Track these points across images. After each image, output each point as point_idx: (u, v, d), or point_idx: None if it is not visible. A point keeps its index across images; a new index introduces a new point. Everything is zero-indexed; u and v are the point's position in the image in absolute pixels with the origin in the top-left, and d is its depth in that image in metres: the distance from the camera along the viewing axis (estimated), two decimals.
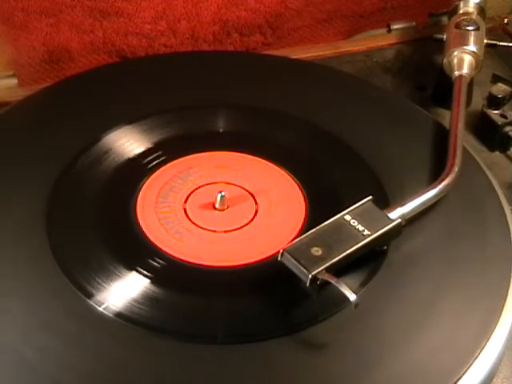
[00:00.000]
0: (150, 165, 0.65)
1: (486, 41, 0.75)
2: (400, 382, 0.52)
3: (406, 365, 0.52)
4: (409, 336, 0.54)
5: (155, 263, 0.57)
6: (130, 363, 0.51)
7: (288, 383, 0.51)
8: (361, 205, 0.58)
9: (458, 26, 0.75)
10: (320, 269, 0.54)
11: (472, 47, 0.73)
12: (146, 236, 0.59)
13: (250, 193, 0.63)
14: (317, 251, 0.55)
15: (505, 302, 0.56)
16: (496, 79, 0.76)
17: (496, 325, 0.54)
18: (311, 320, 0.54)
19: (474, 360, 0.52)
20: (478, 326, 0.54)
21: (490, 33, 0.79)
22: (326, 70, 0.77)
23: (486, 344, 0.53)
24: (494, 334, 0.54)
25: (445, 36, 0.76)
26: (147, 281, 0.56)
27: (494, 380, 0.55)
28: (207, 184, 0.64)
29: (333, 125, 0.68)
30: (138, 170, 0.64)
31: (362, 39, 0.87)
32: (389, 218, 0.58)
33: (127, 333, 0.53)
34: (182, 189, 0.63)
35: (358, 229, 0.57)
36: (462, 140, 0.65)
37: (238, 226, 0.61)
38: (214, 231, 0.60)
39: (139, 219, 0.60)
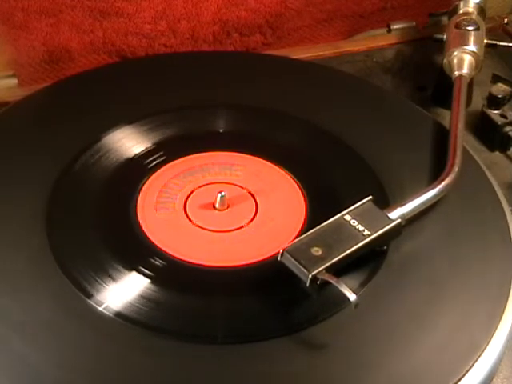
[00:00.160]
0: (150, 165, 0.65)
1: (485, 41, 0.75)
2: (400, 382, 0.52)
3: (406, 365, 0.52)
4: (409, 336, 0.54)
5: (155, 263, 0.57)
6: (130, 363, 0.51)
7: (288, 383, 0.51)
8: (361, 205, 0.58)
9: (458, 26, 0.75)
10: (320, 269, 0.54)
11: (472, 47, 0.73)
12: (145, 236, 0.59)
13: (250, 193, 0.63)
14: (317, 251, 0.55)
15: (505, 302, 0.56)
16: (496, 79, 0.76)
17: (496, 325, 0.54)
18: (311, 320, 0.54)
19: (475, 360, 0.52)
20: (478, 326, 0.54)
21: (490, 33, 0.79)
22: (326, 69, 0.77)
23: (486, 344, 0.53)
24: (494, 334, 0.54)
25: (445, 36, 0.76)
26: (147, 281, 0.56)
27: (494, 380, 0.55)
28: (207, 184, 0.64)
29: (333, 125, 0.68)
30: (138, 169, 0.64)
31: (362, 39, 0.87)
32: (389, 218, 0.58)
33: (127, 333, 0.53)
34: (182, 189, 0.63)
35: (357, 229, 0.57)
36: (462, 140, 0.65)
37: (238, 226, 0.61)
38: (214, 231, 0.60)
39: (139, 219, 0.60)
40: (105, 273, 0.56)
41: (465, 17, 0.76)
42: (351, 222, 0.57)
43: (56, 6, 0.82)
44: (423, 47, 0.84)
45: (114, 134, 0.66)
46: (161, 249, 0.58)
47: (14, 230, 0.58)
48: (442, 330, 0.54)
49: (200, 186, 0.63)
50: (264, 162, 0.65)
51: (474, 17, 0.76)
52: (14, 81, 0.77)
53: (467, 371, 0.52)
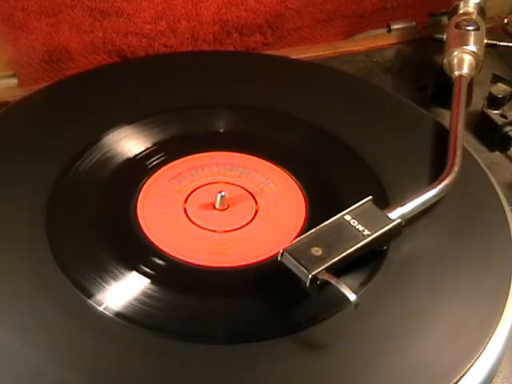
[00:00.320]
0: (150, 165, 0.65)
1: (485, 41, 0.75)
2: (400, 382, 0.52)
3: (406, 365, 0.52)
4: (409, 336, 0.54)
5: (155, 263, 0.57)
6: (130, 363, 0.51)
7: (288, 383, 0.51)
8: (361, 205, 0.58)
9: (458, 26, 0.75)
10: (320, 269, 0.54)
11: (472, 47, 0.73)
12: (145, 236, 0.59)
13: (250, 193, 0.63)
14: (317, 251, 0.55)
15: (505, 301, 0.56)
16: (496, 79, 0.76)
17: (496, 325, 0.54)
18: (311, 320, 0.54)
19: (475, 360, 0.52)
20: (478, 326, 0.54)
21: (490, 33, 0.79)
22: (326, 69, 0.77)
23: (486, 344, 0.53)
24: (494, 334, 0.54)
25: (445, 36, 0.76)
26: (147, 281, 0.56)
27: (494, 380, 0.55)
28: (207, 184, 0.64)
29: (333, 125, 0.68)
30: (138, 169, 0.64)
31: (362, 39, 0.87)
32: (389, 218, 0.58)
33: (127, 333, 0.53)
34: (182, 189, 0.63)
35: (357, 229, 0.57)
36: (462, 140, 0.65)
37: (238, 226, 0.61)
38: (214, 231, 0.60)
39: (139, 219, 0.60)
40: (105, 273, 0.56)
41: (465, 17, 0.76)
42: (351, 222, 0.57)
43: (56, 6, 0.82)
44: (423, 47, 0.84)
45: (113, 133, 0.66)
46: (161, 249, 0.58)
47: (14, 230, 0.58)
48: (441, 329, 0.54)
49: (200, 186, 0.63)
50: (264, 162, 0.65)
51: (474, 17, 0.76)
52: (14, 81, 0.77)
53: (467, 371, 0.52)
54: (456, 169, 0.62)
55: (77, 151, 0.64)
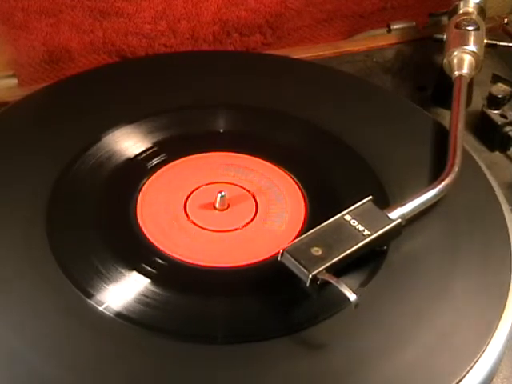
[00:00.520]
0: (150, 165, 0.65)
1: (485, 41, 0.75)
2: (400, 382, 0.52)
3: (406, 365, 0.52)
4: (409, 336, 0.54)
5: (155, 263, 0.57)
6: (130, 363, 0.51)
7: (288, 383, 0.51)
8: (361, 205, 0.58)
9: (458, 26, 0.75)
10: (320, 269, 0.54)
11: (472, 47, 0.73)
12: (145, 236, 0.59)
13: (250, 193, 0.63)
14: (317, 251, 0.55)
15: (505, 301, 0.56)
16: (496, 79, 0.76)
17: (496, 325, 0.54)
18: (311, 320, 0.54)
19: (475, 360, 0.52)
20: (478, 326, 0.54)
21: (490, 33, 0.79)
22: (326, 69, 0.77)
23: (486, 344, 0.53)
24: (494, 333, 0.54)
25: (445, 36, 0.76)
26: (147, 281, 0.56)
27: (494, 380, 0.55)
28: (207, 184, 0.64)
29: (333, 125, 0.68)
30: (138, 169, 0.64)
31: (362, 39, 0.87)
32: (389, 218, 0.58)
33: (127, 333, 0.53)
34: (182, 189, 0.63)
35: (357, 229, 0.57)
36: (462, 140, 0.65)
37: (239, 226, 0.61)
38: (214, 231, 0.60)
39: (139, 219, 0.60)
40: (105, 273, 0.56)
41: (465, 17, 0.76)
42: (351, 221, 0.57)
43: (56, 6, 0.82)
44: (423, 47, 0.84)
45: (113, 133, 0.66)
46: (161, 249, 0.58)
47: (14, 230, 0.58)
48: (441, 329, 0.54)
49: (200, 186, 0.63)
50: (264, 162, 0.65)
51: (474, 17, 0.76)
52: (14, 81, 0.77)
53: (467, 371, 0.52)
54: (456, 169, 0.62)
55: (77, 151, 0.64)
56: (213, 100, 0.70)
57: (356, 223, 0.57)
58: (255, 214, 0.61)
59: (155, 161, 0.65)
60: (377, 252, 0.58)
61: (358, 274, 0.56)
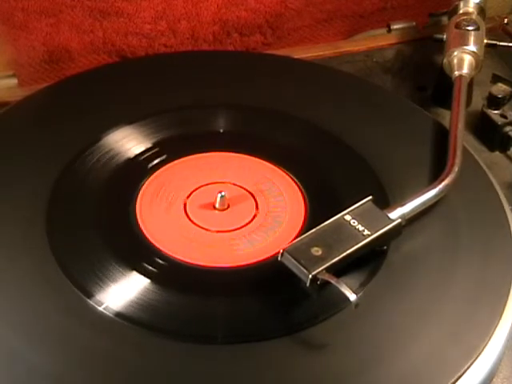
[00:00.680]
0: (150, 165, 0.65)
1: (485, 41, 0.75)
2: (400, 382, 0.52)
3: (406, 365, 0.52)
4: (408, 336, 0.54)
5: (155, 263, 0.57)
6: (130, 363, 0.51)
7: (288, 383, 0.51)
8: (361, 205, 0.58)
9: (458, 26, 0.75)
10: (320, 269, 0.54)
11: (472, 47, 0.73)
12: (145, 236, 0.59)
13: (250, 193, 0.63)
14: (317, 251, 0.55)
15: (505, 301, 0.56)
16: (496, 79, 0.76)
17: (496, 325, 0.54)
18: (311, 320, 0.54)
19: (475, 360, 0.52)
20: (478, 326, 0.54)
21: (490, 33, 0.79)
22: (326, 69, 0.77)
23: (486, 344, 0.53)
24: (494, 333, 0.54)
25: (445, 36, 0.76)
26: (147, 281, 0.56)
27: (494, 380, 0.55)
28: (207, 184, 0.64)
29: (333, 125, 0.68)
30: (138, 169, 0.64)
31: (362, 39, 0.87)
32: (389, 218, 0.58)
33: (127, 333, 0.53)
34: (182, 189, 0.63)
35: (357, 229, 0.57)
36: (462, 140, 0.65)
37: (238, 226, 0.61)
38: (214, 231, 0.60)
39: (139, 219, 0.60)
40: (105, 273, 0.56)
41: (465, 17, 0.76)
42: (351, 221, 0.57)
43: (56, 6, 0.82)
44: (423, 47, 0.84)
45: (114, 133, 0.66)
46: (161, 249, 0.58)
47: (14, 230, 0.58)
48: (441, 329, 0.54)
49: (200, 186, 0.63)
50: (264, 162, 0.65)
51: (474, 17, 0.76)
52: (14, 81, 0.77)
53: (467, 371, 0.52)
54: (456, 169, 0.62)
55: (77, 151, 0.64)
56: (213, 100, 0.70)
57: (356, 223, 0.57)
58: (255, 214, 0.61)
59: (155, 161, 0.65)
60: (377, 252, 0.58)
61: (358, 273, 0.56)
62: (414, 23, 0.87)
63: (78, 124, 0.67)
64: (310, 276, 0.53)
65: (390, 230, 0.57)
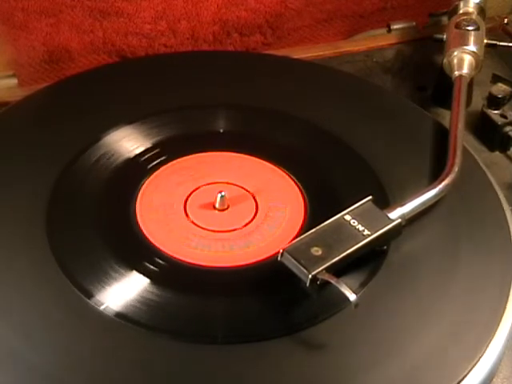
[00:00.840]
0: (150, 165, 0.65)
1: (485, 41, 0.75)
2: (400, 382, 0.52)
3: (406, 365, 0.52)
4: (409, 336, 0.54)
5: (155, 263, 0.57)
6: (130, 363, 0.51)
7: (288, 383, 0.51)
8: (361, 205, 0.58)
9: (458, 26, 0.75)
10: (320, 269, 0.54)
11: (472, 47, 0.73)
12: (145, 236, 0.59)
13: (250, 193, 0.63)
14: (317, 251, 0.55)
15: (506, 301, 0.56)
16: (496, 79, 0.76)
17: (497, 325, 0.54)
18: (311, 320, 0.54)
19: (475, 360, 0.52)
20: (478, 326, 0.54)
21: (490, 33, 0.79)
22: (326, 69, 0.77)
23: (486, 344, 0.53)
24: (494, 334, 0.54)
25: (445, 36, 0.76)
26: (147, 281, 0.56)
27: (494, 380, 0.55)
28: (207, 184, 0.64)
29: (333, 125, 0.68)
30: (138, 169, 0.64)
31: (362, 39, 0.87)
32: (389, 218, 0.58)
33: (127, 333, 0.53)
34: (181, 189, 0.63)
35: (358, 229, 0.57)
36: (462, 140, 0.65)
37: (238, 226, 0.61)
38: (214, 231, 0.60)
39: (139, 219, 0.60)
40: (105, 273, 0.56)
41: (465, 17, 0.76)
42: (351, 221, 0.57)
43: (56, 6, 0.82)
44: (423, 47, 0.84)
45: (114, 133, 0.66)
46: (161, 249, 0.58)
47: (14, 231, 0.58)
48: (441, 330, 0.54)
49: (200, 186, 0.63)
50: (264, 162, 0.65)
51: (474, 17, 0.76)
52: (14, 81, 0.77)
53: (467, 371, 0.52)
54: (456, 169, 0.62)
55: (77, 151, 0.64)
56: (213, 100, 0.70)
57: (356, 223, 0.57)
58: (255, 214, 0.61)
59: (155, 161, 0.65)
60: (377, 252, 0.58)
61: (358, 274, 0.56)
62: (414, 23, 0.87)
63: (78, 124, 0.67)
64: (310, 276, 0.53)
65: (389, 230, 0.57)
